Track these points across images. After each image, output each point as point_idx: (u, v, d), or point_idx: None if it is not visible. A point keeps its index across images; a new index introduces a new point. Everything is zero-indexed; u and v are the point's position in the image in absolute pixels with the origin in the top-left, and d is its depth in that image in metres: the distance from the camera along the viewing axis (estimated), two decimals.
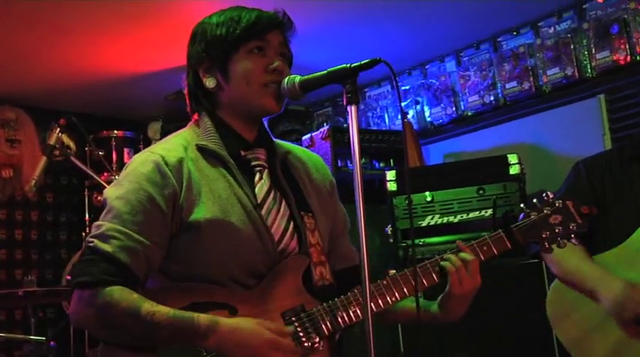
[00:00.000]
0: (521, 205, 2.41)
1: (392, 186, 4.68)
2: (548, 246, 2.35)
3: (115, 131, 6.31)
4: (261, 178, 2.29)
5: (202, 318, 2.03)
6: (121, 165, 5.97)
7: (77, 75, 6.11)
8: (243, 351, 2.03)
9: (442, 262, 2.28)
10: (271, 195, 2.27)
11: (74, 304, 2.10)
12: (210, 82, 2.28)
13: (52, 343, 4.82)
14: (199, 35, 2.31)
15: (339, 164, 5.22)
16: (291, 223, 2.27)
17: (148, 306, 2.03)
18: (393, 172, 4.72)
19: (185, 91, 2.38)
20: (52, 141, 4.65)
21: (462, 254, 2.29)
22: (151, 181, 2.15)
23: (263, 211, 2.23)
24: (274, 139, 2.42)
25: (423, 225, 4.53)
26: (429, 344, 4.30)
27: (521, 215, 2.38)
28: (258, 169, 2.30)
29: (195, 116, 2.37)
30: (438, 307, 2.37)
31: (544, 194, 2.40)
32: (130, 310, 2.02)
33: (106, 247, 2.07)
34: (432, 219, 4.53)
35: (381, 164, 5.54)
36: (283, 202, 2.29)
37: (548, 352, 3.89)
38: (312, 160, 2.52)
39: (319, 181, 2.47)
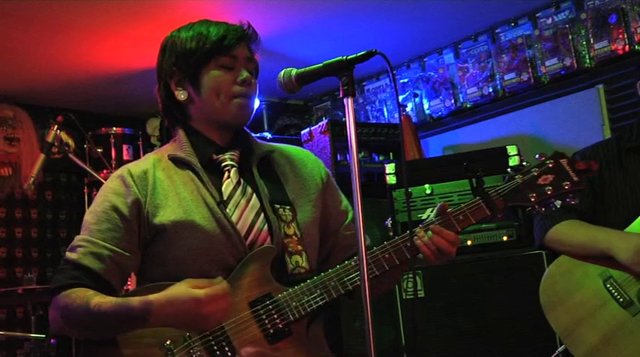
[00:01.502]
0: (508, 169, 2.33)
1: (391, 179, 4.67)
2: (539, 208, 2.25)
3: (114, 128, 6.29)
4: (228, 176, 2.35)
5: (135, 301, 2.13)
6: (120, 162, 5.96)
7: (75, 72, 6.11)
8: (185, 318, 2.12)
9: (415, 240, 2.26)
10: (238, 191, 2.33)
11: (49, 311, 2.26)
12: (181, 95, 2.38)
13: (52, 340, 4.83)
14: (169, 49, 2.40)
15: (339, 158, 5.21)
16: (261, 216, 2.31)
17: (97, 299, 2.15)
18: (393, 165, 4.71)
19: (160, 107, 2.47)
20: (50, 138, 4.65)
21: (429, 233, 2.26)
22: (115, 192, 2.30)
23: (229, 207, 2.30)
24: (259, 141, 2.49)
25: (422, 218, 4.52)
26: (430, 338, 4.30)
27: (506, 178, 2.29)
28: (226, 168, 2.36)
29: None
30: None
31: (537, 155, 2.31)
32: (82, 306, 2.14)
33: (73, 256, 2.23)
34: (431, 212, 4.51)
35: (381, 157, 5.53)
36: (253, 196, 2.34)
37: (550, 343, 3.88)
38: (299, 156, 2.56)
39: (307, 174, 2.50)
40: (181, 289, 2.12)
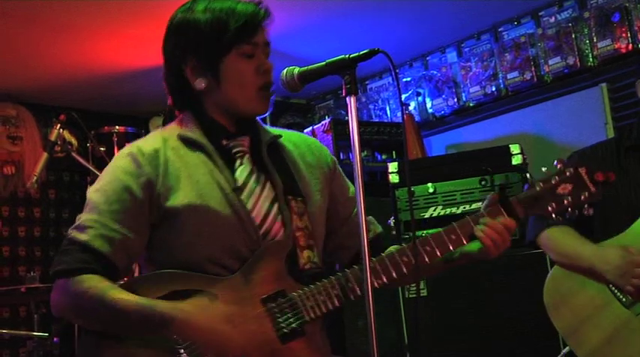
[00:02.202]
0: (527, 175, 2.29)
1: (394, 178, 4.66)
2: (556, 218, 2.22)
3: (117, 127, 6.28)
4: (241, 163, 2.27)
5: (161, 307, 2.04)
6: None
7: (78, 71, 6.11)
8: (207, 347, 2.05)
9: (477, 231, 2.20)
10: (253, 178, 2.26)
11: (53, 294, 2.14)
12: (199, 84, 2.26)
13: (55, 339, 4.83)
14: (183, 31, 2.27)
15: (342, 157, 5.21)
16: (275, 206, 2.25)
17: (114, 293, 2.05)
18: (395, 164, 4.71)
19: (166, 89, 2.36)
20: (53, 137, 4.65)
21: (501, 219, 2.20)
22: (125, 171, 2.18)
23: (244, 195, 2.21)
24: (264, 126, 2.41)
25: (425, 216, 4.52)
26: (433, 337, 4.30)
27: (526, 186, 2.26)
28: (239, 154, 2.28)
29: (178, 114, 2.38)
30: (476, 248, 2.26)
31: (555, 161, 2.27)
32: (96, 298, 2.04)
33: (82, 237, 2.11)
34: (434, 210, 4.52)
35: (383, 156, 5.53)
36: (268, 185, 2.27)
37: (552, 342, 3.87)
38: (306, 143, 2.50)
39: (315, 163, 2.44)
40: (218, 321, 2.06)
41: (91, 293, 2.04)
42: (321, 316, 2.17)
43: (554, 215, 2.22)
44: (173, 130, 2.31)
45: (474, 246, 2.24)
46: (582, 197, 2.21)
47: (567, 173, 2.23)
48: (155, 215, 2.17)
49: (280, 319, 2.13)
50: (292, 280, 2.19)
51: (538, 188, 2.23)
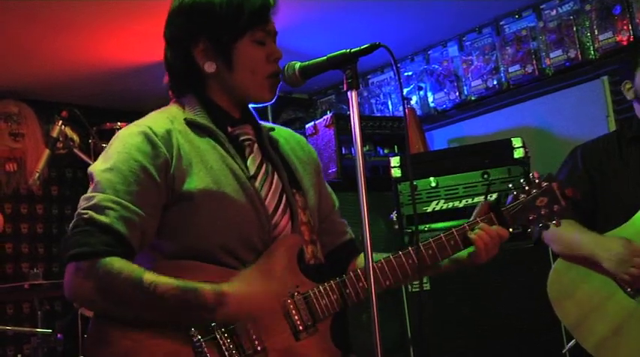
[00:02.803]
0: (509, 185, 2.39)
1: (396, 172, 4.67)
2: (533, 228, 2.36)
3: (119, 123, 6.25)
4: (252, 152, 2.25)
5: (208, 290, 2.00)
6: None
7: (79, 67, 6.11)
8: (255, 313, 2.06)
9: (471, 235, 2.28)
10: (263, 168, 2.24)
11: (70, 277, 2.00)
12: (209, 67, 2.21)
13: (59, 335, 4.83)
14: (194, 11, 2.21)
15: (343, 151, 5.20)
16: (284, 199, 2.24)
17: (150, 276, 1.98)
18: (397, 158, 4.71)
19: (167, 68, 2.30)
20: (54, 134, 4.64)
21: (495, 227, 2.30)
22: (141, 151, 2.08)
23: (256, 184, 2.19)
24: (257, 117, 2.38)
25: (428, 210, 4.52)
26: (436, 332, 4.30)
27: (509, 197, 2.37)
28: (248, 143, 2.26)
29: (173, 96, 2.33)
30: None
31: (531, 175, 2.39)
32: (131, 280, 1.96)
33: (103, 218, 2.00)
34: (437, 204, 4.52)
35: (385, 151, 5.52)
36: (275, 176, 2.26)
37: (554, 336, 3.88)
38: (295, 139, 2.49)
39: (306, 159, 2.44)
40: (260, 288, 2.07)
41: (125, 275, 1.96)
42: (333, 314, 2.18)
43: (531, 226, 2.36)
44: (175, 113, 2.24)
45: (464, 252, 2.33)
46: (555, 209, 2.35)
47: (544, 187, 2.36)
48: (168, 198, 2.10)
49: (296, 317, 2.12)
50: (304, 276, 2.18)
51: (522, 199, 2.35)
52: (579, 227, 3.14)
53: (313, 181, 2.41)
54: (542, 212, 2.34)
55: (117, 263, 1.98)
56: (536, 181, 2.37)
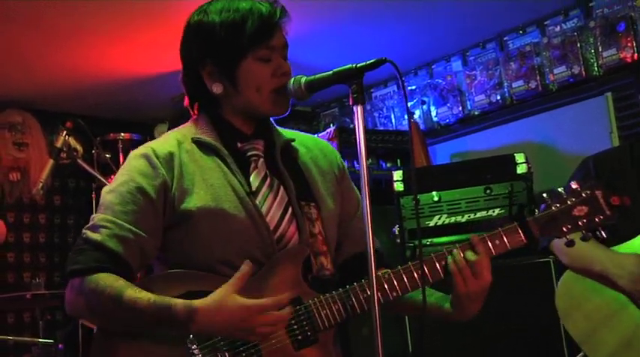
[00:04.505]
0: (544, 195, 2.22)
1: (399, 186, 4.66)
2: (569, 240, 2.20)
3: (122, 134, 6.31)
4: (256, 167, 2.26)
5: (179, 305, 2.00)
6: None
7: (83, 78, 6.13)
8: (230, 328, 2.02)
9: (448, 257, 2.19)
10: (267, 183, 2.25)
11: (67, 293, 2.12)
12: (217, 89, 2.25)
13: (60, 345, 4.83)
14: (199, 35, 2.25)
15: (347, 165, 5.19)
16: (289, 211, 2.24)
17: (131, 292, 2.03)
18: (400, 172, 4.71)
19: (185, 94, 2.36)
20: (59, 144, 4.65)
21: (468, 253, 2.17)
22: (141, 172, 2.17)
23: (258, 199, 2.20)
24: (278, 128, 2.39)
25: (430, 225, 4.52)
26: (437, 345, 4.29)
27: (542, 206, 2.22)
28: (254, 158, 2.28)
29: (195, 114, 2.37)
30: (450, 305, 2.28)
31: (571, 182, 2.23)
32: (113, 297, 2.02)
33: (96, 236, 2.09)
34: (439, 219, 4.52)
35: (388, 164, 5.54)
36: (281, 190, 2.26)
37: (556, 350, 3.87)
38: (318, 146, 2.48)
39: (327, 166, 2.44)
40: (229, 296, 2.01)
41: (108, 292, 2.03)
42: (335, 325, 2.17)
43: (567, 237, 2.20)
44: (187, 132, 2.30)
45: (447, 305, 2.29)
46: (597, 220, 2.19)
47: (584, 195, 2.20)
48: (169, 217, 2.16)
49: (295, 326, 2.13)
50: (307, 286, 2.18)
51: (554, 209, 2.20)
52: (591, 241, 3.11)
53: (333, 190, 2.41)
54: (580, 223, 2.18)
55: (103, 280, 2.06)
56: (576, 189, 2.21)
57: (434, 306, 2.31)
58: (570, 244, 2.20)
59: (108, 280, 2.05)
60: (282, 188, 2.27)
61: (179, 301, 2.02)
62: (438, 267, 2.20)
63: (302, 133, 2.51)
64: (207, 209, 2.14)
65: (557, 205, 2.20)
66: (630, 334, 2.94)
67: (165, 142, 2.26)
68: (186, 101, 2.37)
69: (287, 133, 2.42)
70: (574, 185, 2.22)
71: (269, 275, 2.16)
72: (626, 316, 2.96)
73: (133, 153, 2.25)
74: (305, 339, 2.13)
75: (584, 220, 2.18)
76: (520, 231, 2.18)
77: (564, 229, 2.19)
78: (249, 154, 2.28)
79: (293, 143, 2.39)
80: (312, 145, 2.47)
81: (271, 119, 2.37)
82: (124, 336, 2.09)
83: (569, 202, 2.19)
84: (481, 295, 2.21)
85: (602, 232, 2.20)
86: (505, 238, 2.18)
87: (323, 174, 2.41)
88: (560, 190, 2.22)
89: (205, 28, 2.23)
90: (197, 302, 2.02)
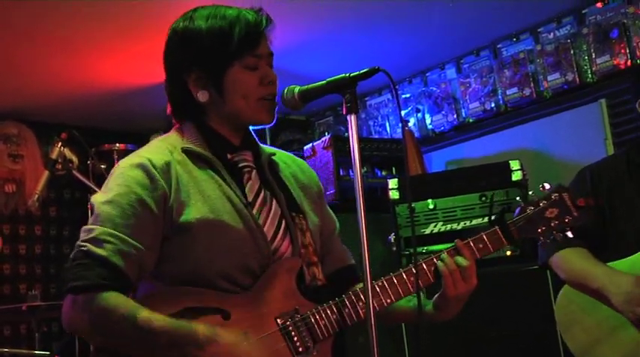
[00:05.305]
0: (517, 198, 2.37)
1: (394, 194, 4.67)
2: (544, 240, 2.32)
3: (117, 144, 6.29)
4: (250, 179, 2.26)
5: (201, 328, 1.99)
6: None
7: (78, 89, 6.13)
8: None
9: (438, 262, 2.25)
10: (261, 195, 2.24)
11: (67, 309, 2.04)
12: (202, 96, 2.21)
13: None
14: (185, 42, 2.21)
15: (341, 173, 5.21)
16: (283, 223, 2.24)
17: (146, 313, 1.99)
18: (395, 180, 4.72)
19: (168, 100, 2.31)
20: (54, 155, 4.64)
21: (459, 259, 2.24)
22: (140, 184, 2.10)
23: (254, 210, 2.20)
24: (260, 143, 2.38)
25: (426, 233, 4.53)
26: (434, 352, 4.29)
27: (517, 210, 2.33)
28: (247, 170, 2.27)
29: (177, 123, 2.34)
30: (432, 306, 2.34)
31: (540, 186, 2.35)
32: (126, 317, 1.97)
33: (101, 251, 2.02)
34: (434, 226, 4.53)
35: (383, 173, 5.54)
36: (274, 202, 2.26)
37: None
38: (296, 163, 2.49)
39: (306, 183, 2.44)
40: (247, 345, 2.03)
41: (121, 312, 1.98)
42: (333, 334, 2.18)
43: (541, 238, 2.31)
44: (175, 141, 2.25)
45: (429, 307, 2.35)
46: (567, 220, 2.30)
47: (553, 198, 2.31)
48: (167, 230, 2.11)
49: (295, 338, 2.13)
50: (303, 297, 2.18)
51: (529, 211, 2.31)
52: (590, 257, 3.07)
53: (314, 205, 2.42)
54: (553, 224, 2.29)
55: (113, 300, 2.00)
56: (545, 192, 2.33)
57: (416, 310, 2.33)
58: (544, 245, 2.29)
59: (119, 299, 2.00)
60: (274, 200, 2.27)
61: (200, 325, 2.00)
62: (427, 272, 2.26)
63: (280, 150, 2.51)
64: (207, 221, 2.10)
65: (531, 208, 2.31)
66: (630, 351, 2.91)
67: (159, 151, 2.20)
68: (168, 109, 2.33)
69: (268, 149, 2.42)
70: (544, 188, 2.35)
71: (265, 289, 2.15)
72: (625, 333, 2.92)
73: (127, 162, 2.18)
74: (306, 350, 2.13)
75: (556, 222, 2.30)
76: (500, 233, 2.28)
77: (539, 230, 2.30)
78: (241, 165, 2.27)
79: (274, 157, 2.39)
80: (291, 162, 2.48)
81: (252, 132, 2.36)
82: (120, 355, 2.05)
83: (541, 205, 2.31)
84: (466, 297, 2.29)
85: (570, 233, 2.31)
86: (487, 241, 2.28)
87: (304, 189, 2.42)
88: (531, 193, 2.37)
89: (191, 34, 2.20)
90: (220, 331, 2.01)
